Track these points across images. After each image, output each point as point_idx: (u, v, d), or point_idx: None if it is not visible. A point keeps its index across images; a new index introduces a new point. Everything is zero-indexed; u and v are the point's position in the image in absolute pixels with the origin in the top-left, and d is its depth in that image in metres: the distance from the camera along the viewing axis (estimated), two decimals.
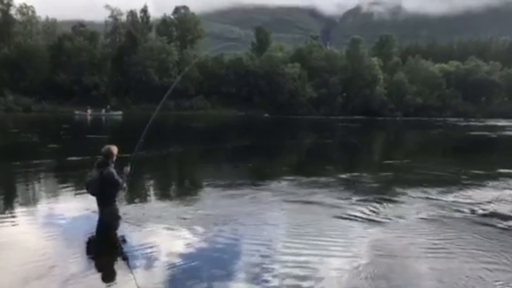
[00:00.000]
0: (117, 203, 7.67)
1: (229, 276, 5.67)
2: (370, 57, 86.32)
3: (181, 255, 6.33)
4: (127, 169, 7.76)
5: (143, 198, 9.98)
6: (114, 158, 7.53)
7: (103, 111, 58.63)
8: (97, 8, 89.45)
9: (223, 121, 52.48)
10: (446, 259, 6.51)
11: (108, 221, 7.51)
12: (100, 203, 7.58)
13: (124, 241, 6.95)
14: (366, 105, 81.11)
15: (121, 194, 8.01)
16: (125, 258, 6.30)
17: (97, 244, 6.98)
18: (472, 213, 9.14)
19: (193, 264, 6.04)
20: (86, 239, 6.99)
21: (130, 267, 5.92)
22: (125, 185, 7.61)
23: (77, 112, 57.22)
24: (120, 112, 57.55)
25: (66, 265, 5.90)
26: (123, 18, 77.81)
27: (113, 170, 7.41)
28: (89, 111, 57.86)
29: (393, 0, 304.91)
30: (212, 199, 9.92)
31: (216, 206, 9.18)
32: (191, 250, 6.58)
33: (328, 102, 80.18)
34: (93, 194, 7.56)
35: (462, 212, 9.22)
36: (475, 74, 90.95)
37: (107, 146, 7.56)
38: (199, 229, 7.52)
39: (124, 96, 71.09)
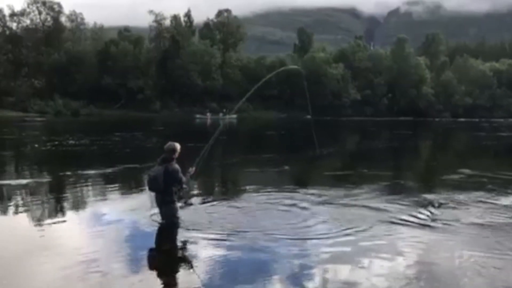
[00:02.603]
0: (176, 203, 7.38)
1: (267, 279, 5.44)
2: (416, 57, 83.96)
3: (222, 260, 6.08)
4: (192, 169, 7.49)
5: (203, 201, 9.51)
6: (177, 155, 7.25)
7: (221, 114, 61.23)
8: (141, 14, 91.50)
9: (279, 124, 52.20)
10: (498, 266, 5.97)
11: (165, 228, 7.24)
12: (161, 201, 7.29)
13: (185, 249, 6.62)
14: (412, 106, 78.85)
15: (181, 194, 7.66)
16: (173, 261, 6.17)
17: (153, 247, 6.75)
18: None
19: (233, 268, 5.82)
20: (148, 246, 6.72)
21: (175, 268, 5.86)
22: (186, 186, 7.33)
23: (198, 115, 61.17)
24: (235, 116, 59.34)
25: (111, 265, 5.80)
26: (167, 22, 79.22)
27: (177, 166, 7.16)
28: (208, 114, 61.21)
29: None
30: (256, 203, 9.43)
31: (260, 210, 8.82)
32: (232, 254, 6.30)
33: (373, 103, 78.53)
34: (155, 191, 7.26)
35: None
36: None
37: (171, 143, 7.28)
38: (241, 233, 7.20)
39: (168, 99, 72.20)
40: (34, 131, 34.90)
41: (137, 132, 31.79)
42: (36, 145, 21.60)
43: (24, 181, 11.82)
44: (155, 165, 7.32)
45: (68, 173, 13.40)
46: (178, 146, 7.25)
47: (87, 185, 11.56)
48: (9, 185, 11.27)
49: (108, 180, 12.50)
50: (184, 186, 7.32)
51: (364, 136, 38.52)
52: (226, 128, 38.55)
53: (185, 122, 51.68)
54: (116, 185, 11.82)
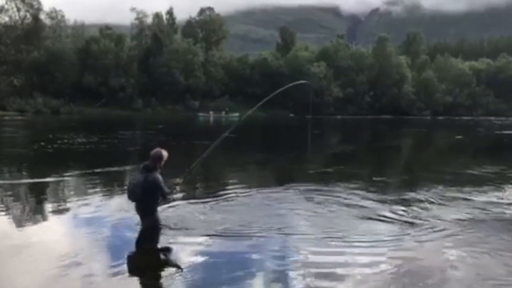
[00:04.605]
0: (157, 213, 7.10)
1: (250, 280, 5.47)
2: (397, 56, 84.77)
3: (202, 262, 6.06)
4: (178, 180, 7.19)
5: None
6: (162, 163, 6.96)
7: (223, 113, 61.80)
8: (122, 11, 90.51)
9: (270, 122, 52.21)
10: (480, 261, 6.16)
11: (146, 232, 6.99)
12: (140, 212, 7.01)
13: (167, 251, 6.50)
14: (394, 104, 79.71)
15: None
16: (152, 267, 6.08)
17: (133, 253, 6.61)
18: (507, 214, 8.74)
19: (216, 269, 5.80)
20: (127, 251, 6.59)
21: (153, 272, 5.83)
22: (170, 196, 7.10)
23: (200, 114, 62.12)
24: (236, 114, 59.68)
25: (92, 266, 5.78)
26: (149, 20, 78.48)
27: (159, 176, 6.84)
28: (211, 113, 61.98)
29: None
30: (241, 203, 9.42)
31: (245, 209, 8.84)
32: (215, 255, 6.29)
33: (355, 101, 79.13)
34: (134, 200, 6.99)
35: (498, 212, 8.81)
36: (507, 71, 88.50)
37: (158, 149, 6.98)
38: (225, 233, 7.18)
39: (150, 98, 71.68)
40: (32, 129, 34.72)
41: (137, 131, 32.23)
42: (43, 143, 21.06)
43: (48, 179, 12.05)
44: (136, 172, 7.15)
45: (98, 170, 13.55)
46: (165, 154, 6.92)
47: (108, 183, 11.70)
48: (34, 183, 11.46)
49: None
50: (168, 197, 7.06)
51: (374, 134, 38.95)
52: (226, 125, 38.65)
53: (186, 120, 52.06)
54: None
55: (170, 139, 25.29)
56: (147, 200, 6.84)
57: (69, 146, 20.64)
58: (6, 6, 71.90)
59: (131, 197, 6.94)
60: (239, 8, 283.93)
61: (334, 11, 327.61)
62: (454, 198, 10.00)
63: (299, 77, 73.56)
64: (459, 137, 33.02)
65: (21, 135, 29.17)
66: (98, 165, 14.50)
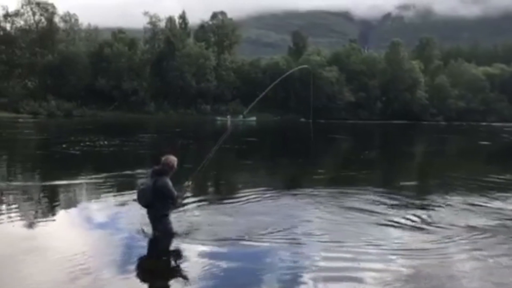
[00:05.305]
0: (169, 218, 7.00)
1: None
2: (410, 60, 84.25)
3: (215, 269, 5.89)
4: (188, 183, 7.12)
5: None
6: (173, 170, 6.90)
7: (241, 117, 61.88)
8: (135, 15, 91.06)
9: (286, 127, 52.26)
10: (493, 269, 6.00)
11: (157, 237, 6.91)
12: (151, 217, 6.94)
13: (177, 257, 6.39)
14: (406, 109, 79.15)
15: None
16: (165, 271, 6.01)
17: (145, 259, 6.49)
18: None
19: (226, 276, 5.66)
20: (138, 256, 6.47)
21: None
22: (180, 200, 7.05)
23: (218, 118, 62.83)
24: (254, 118, 59.90)
25: (102, 269, 5.75)
26: (162, 24, 79.02)
27: (168, 180, 6.78)
28: (229, 117, 62.87)
29: (424, 3, 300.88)
30: (250, 206, 9.35)
31: (255, 214, 8.69)
32: (222, 262, 6.11)
33: (367, 106, 78.75)
34: (144, 205, 6.92)
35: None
36: None
37: (171, 158, 6.92)
38: (233, 239, 7.05)
39: (162, 101, 72.04)
40: (49, 132, 35.28)
41: (154, 134, 32.61)
42: (64, 146, 20.98)
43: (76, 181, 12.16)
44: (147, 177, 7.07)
45: (128, 172, 13.87)
46: (175, 161, 6.89)
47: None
48: (66, 184, 11.57)
49: None
50: (180, 201, 7.02)
51: (394, 139, 38.72)
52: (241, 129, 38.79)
53: (203, 123, 52.94)
54: None
55: (191, 142, 25.39)
56: (157, 205, 6.80)
57: (92, 149, 20.69)
58: (21, 10, 73.18)
59: (141, 201, 6.90)
60: (251, 13, 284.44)
61: (346, 16, 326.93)
62: (476, 205, 9.81)
63: (310, 81, 73.85)
64: (486, 143, 32.58)
65: (41, 137, 29.43)
66: (126, 167, 14.68)
